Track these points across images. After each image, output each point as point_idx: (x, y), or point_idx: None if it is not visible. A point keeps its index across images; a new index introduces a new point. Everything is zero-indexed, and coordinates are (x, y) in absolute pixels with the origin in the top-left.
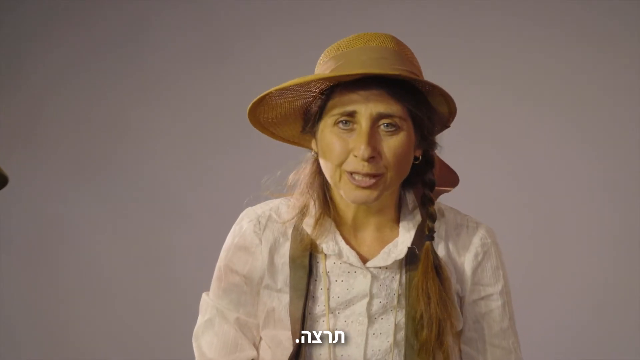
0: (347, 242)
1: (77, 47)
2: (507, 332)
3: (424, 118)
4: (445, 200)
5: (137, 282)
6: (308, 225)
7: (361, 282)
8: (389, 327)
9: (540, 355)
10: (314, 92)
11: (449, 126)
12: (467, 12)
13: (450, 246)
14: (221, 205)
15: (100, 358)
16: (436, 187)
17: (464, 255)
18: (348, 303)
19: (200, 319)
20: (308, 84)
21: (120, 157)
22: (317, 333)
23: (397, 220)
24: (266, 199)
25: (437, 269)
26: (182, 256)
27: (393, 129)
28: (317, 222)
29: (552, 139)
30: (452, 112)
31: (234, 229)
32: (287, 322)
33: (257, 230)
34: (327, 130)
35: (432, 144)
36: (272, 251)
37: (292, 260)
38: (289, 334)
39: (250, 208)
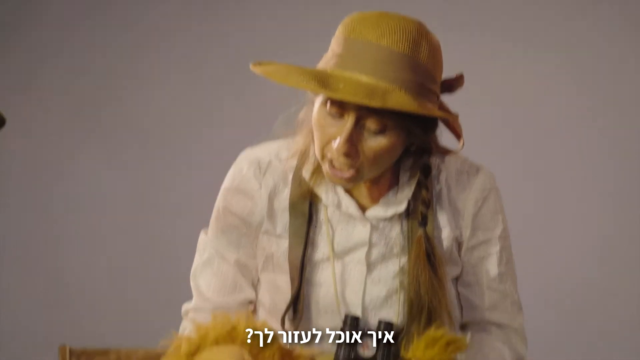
0: (347, 191)
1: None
2: (504, 276)
3: (415, 127)
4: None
5: (136, 227)
6: (307, 171)
7: (360, 231)
8: (388, 275)
9: (541, 305)
10: None
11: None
12: None
13: (451, 192)
14: (224, 151)
15: (98, 297)
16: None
17: (464, 201)
18: (347, 251)
19: (198, 258)
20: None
21: (123, 104)
22: (317, 278)
23: (397, 172)
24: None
25: (430, 256)
26: (182, 201)
27: (377, 130)
28: (316, 169)
29: (551, 87)
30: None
31: (233, 170)
32: (286, 267)
33: (257, 175)
34: (320, 107)
35: (427, 140)
36: (272, 196)
37: (292, 206)
38: (288, 278)
39: (249, 149)
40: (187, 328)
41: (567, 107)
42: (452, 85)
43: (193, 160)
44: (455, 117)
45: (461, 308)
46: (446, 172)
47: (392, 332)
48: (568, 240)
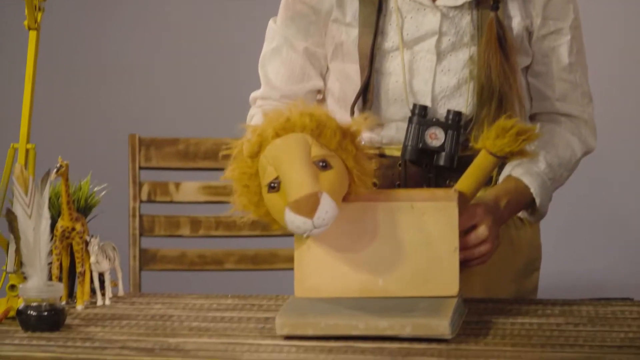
0: None
1: None
2: (574, 66)
3: None
4: None
5: (204, 17)
6: None
7: (430, 20)
8: (458, 64)
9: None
10: None
11: None
12: None
13: None
14: None
15: (167, 89)
16: None
17: None
18: (417, 40)
19: (267, 46)
20: None
21: None
22: (386, 68)
23: None
24: None
25: (501, 41)
26: None
27: None
28: None
29: None
30: None
31: None
32: (356, 56)
33: None
34: None
35: None
36: None
37: None
38: (358, 67)
39: None
40: (254, 115)
41: None
42: None
43: None
44: None
45: (531, 100)
46: None
47: (460, 121)
48: None
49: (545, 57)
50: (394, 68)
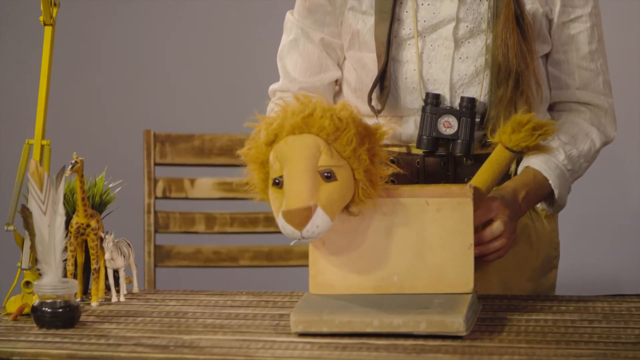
0: None
1: None
2: (595, 54)
3: None
4: None
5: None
6: None
7: (448, 6)
8: (476, 51)
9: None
10: None
11: None
12: None
13: None
14: None
15: (181, 85)
16: None
17: None
18: (434, 27)
19: (285, 38)
20: None
21: None
22: (403, 56)
23: None
24: None
25: (519, 20)
26: None
27: None
28: None
29: None
30: None
31: None
32: (372, 44)
33: None
34: None
35: None
36: None
37: None
38: (374, 56)
39: None
40: (273, 109)
41: None
42: None
43: None
44: None
45: (550, 89)
46: None
47: (474, 108)
48: None
49: (565, 45)
50: (411, 56)
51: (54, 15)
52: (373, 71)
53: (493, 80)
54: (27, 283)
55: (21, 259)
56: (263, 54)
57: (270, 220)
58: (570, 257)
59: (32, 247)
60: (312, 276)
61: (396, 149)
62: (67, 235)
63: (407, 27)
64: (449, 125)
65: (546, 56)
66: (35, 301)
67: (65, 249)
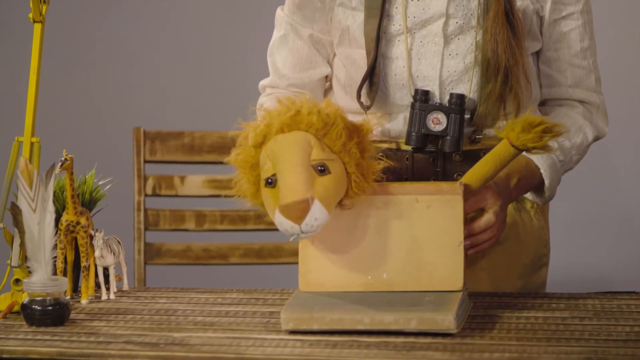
0: None
1: None
2: (586, 51)
3: None
4: None
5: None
6: None
7: (437, 2)
8: (466, 48)
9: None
10: None
11: None
12: None
13: None
14: None
15: (171, 82)
16: None
17: None
18: (424, 23)
19: (275, 34)
20: None
21: None
22: (392, 52)
23: None
24: None
25: (509, 15)
26: None
27: None
28: None
29: None
30: None
31: None
32: (362, 40)
33: None
34: None
35: None
36: None
37: None
38: (364, 52)
39: None
40: (264, 103)
41: None
42: None
43: None
44: None
45: (540, 87)
46: None
47: (462, 104)
48: None
49: (557, 42)
50: (400, 52)
51: (43, 12)
52: (362, 67)
53: (482, 76)
54: (17, 281)
55: (11, 257)
56: (254, 51)
57: (260, 217)
58: (561, 255)
59: (22, 245)
60: (302, 274)
61: (385, 145)
62: (56, 232)
63: (396, 23)
64: (438, 122)
65: (537, 54)
66: (25, 299)
67: (55, 246)
